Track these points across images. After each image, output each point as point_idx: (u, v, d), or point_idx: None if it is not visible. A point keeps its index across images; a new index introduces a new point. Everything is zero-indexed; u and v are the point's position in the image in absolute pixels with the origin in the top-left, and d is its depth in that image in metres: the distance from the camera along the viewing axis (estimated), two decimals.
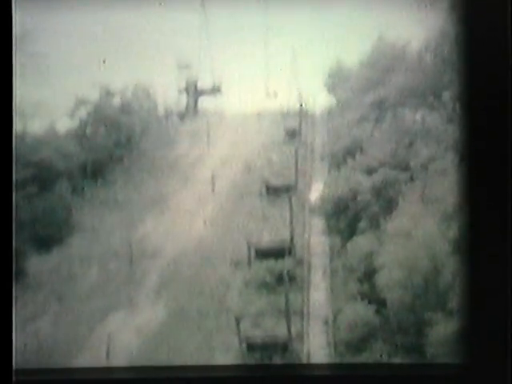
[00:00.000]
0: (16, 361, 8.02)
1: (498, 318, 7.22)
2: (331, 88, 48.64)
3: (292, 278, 33.85)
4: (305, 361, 29.27)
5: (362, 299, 31.76)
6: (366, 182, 37.18)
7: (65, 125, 42.74)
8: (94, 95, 43.96)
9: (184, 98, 49.35)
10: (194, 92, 49.23)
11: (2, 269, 8.16)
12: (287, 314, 31.04)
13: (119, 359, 29.41)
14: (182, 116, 48.81)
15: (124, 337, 30.74)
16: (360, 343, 29.66)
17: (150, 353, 30.09)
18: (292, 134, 46.61)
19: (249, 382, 8.06)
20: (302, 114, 47.82)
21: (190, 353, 29.78)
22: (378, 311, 30.82)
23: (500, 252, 7.76)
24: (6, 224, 8.20)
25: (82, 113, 43.67)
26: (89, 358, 29.39)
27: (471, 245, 7.80)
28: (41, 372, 8.54)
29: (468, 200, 7.78)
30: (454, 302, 28.40)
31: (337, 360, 28.94)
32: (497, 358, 6.98)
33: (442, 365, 11.12)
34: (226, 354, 29.73)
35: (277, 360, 29.15)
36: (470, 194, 7.74)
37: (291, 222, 36.67)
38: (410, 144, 38.91)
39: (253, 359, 29.33)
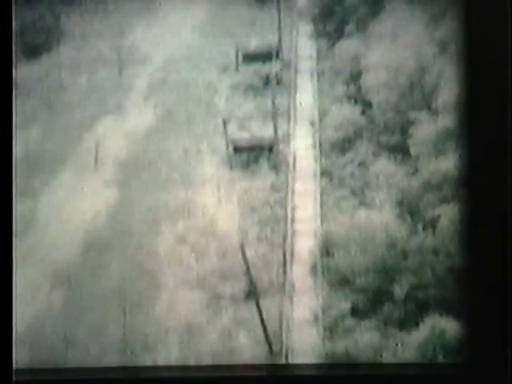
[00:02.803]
0: None
1: (497, 317, 6.42)
2: None
3: (279, 81, 32.39)
4: (291, 161, 27.73)
5: (348, 101, 30.30)
6: None
7: None
8: None
9: None
10: None
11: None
12: (274, 116, 29.43)
13: (106, 164, 28.04)
14: None
15: (112, 142, 29.19)
16: (345, 143, 28.23)
17: (138, 156, 28.58)
18: None
19: (245, 381, 7.23)
20: None
21: (177, 156, 28.21)
22: (363, 112, 29.50)
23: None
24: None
25: None
26: (77, 164, 28.05)
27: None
28: (41, 372, 7.93)
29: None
30: (438, 101, 27.26)
31: (322, 159, 27.52)
32: (497, 358, 6.41)
33: (441, 365, 11.78)
34: (212, 156, 28.26)
35: (263, 162, 27.63)
36: None
37: (279, 26, 34.58)
38: None
39: (239, 161, 27.90)
